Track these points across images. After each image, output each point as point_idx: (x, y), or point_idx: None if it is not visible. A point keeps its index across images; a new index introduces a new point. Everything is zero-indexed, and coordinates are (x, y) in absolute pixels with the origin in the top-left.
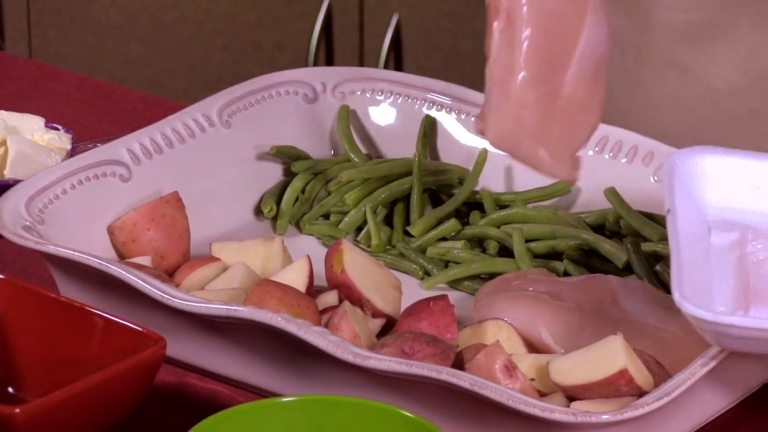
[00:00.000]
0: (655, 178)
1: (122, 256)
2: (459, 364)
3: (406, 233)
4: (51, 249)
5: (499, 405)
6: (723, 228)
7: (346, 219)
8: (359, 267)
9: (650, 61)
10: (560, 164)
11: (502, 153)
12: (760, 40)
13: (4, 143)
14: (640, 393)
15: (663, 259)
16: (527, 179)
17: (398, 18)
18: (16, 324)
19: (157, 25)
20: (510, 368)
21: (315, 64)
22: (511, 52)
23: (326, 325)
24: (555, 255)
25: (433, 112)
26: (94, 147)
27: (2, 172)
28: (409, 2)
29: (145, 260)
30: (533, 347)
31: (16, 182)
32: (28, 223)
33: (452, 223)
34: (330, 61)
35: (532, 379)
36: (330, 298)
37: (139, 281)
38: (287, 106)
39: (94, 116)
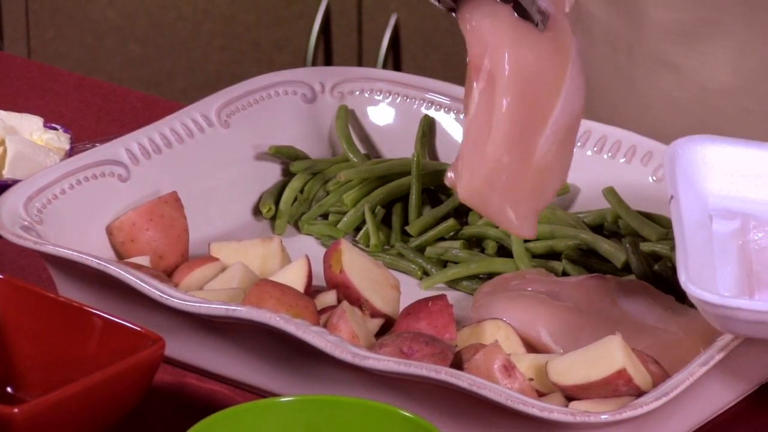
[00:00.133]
0: (654, 178)
1: (121, 256)
2: (457, 364)
3: (405, 233)
4: (50, 249)
5: (497, 405)
6: (725, 216)
7: (345, 219)
8: (358, 267)
9: (642, 60)
10: (524, 223)
11: None
12: (751, 40)
13: (2, 143)
14: (639, 393)
15: (662, 259)
16: None
17: (397, 18)
18: (15, 324)
19: (155, 25)
20: (508, 368)
21: (313, 64)
22: (489, 113)
23: (325, 325)
24: (553, 255)
25: (431, 112)
26: (92, 147)
27: (1, 172)
28: (408, 2)
29: (143, 260)
30: (532, 347)
31: (14, 182)
32: (26, 223)
33: (451, 223)
34: (328, 61)
35: (531, 379)
36: (328, 297)
37: (138, 281)
38: (286, 106)
39: (93, 116)
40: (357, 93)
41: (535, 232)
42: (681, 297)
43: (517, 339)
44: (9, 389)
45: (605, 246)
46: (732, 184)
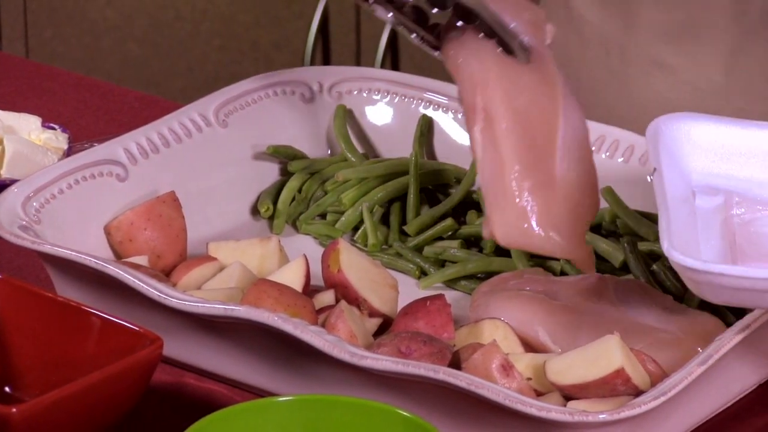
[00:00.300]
0: (652, 178)
1: (119, 256)
2: (456, 363)
3: (403, 233)
4: (48, 249)
5: (495, 404)
6: (707, 192)
7: (343, 218)
8: (356, 266)
9: (635, 61)
10: (575, 245)
11: None
12: (743, 40)
13: (0, 143)
14: (637, 392)
15: (660, 258)
16: None
17: None
18: (13, 324)
19: (154, 24)
20: (507, 368)
21: (312, 64)
22: (496, 149)
23: (323, 325)
24: None
25: (429, 112)
26: (90, 147)
27: None
28: None
29: (141, 260)
30: (530, 347)
31: (12, 182)
32: (24, 222)
33: (449, 223)
34: (327, 61)
35: (529, 379)
36: (327, 297)
37: (136, 281)
38: (284, 106)
39: (91, 116)
40: (355, 92)
41: (591, 255)
42: (679, 297)
43: (515, 338)
44: (7, 389)
45: (603, 245)
46: (715, 162)
